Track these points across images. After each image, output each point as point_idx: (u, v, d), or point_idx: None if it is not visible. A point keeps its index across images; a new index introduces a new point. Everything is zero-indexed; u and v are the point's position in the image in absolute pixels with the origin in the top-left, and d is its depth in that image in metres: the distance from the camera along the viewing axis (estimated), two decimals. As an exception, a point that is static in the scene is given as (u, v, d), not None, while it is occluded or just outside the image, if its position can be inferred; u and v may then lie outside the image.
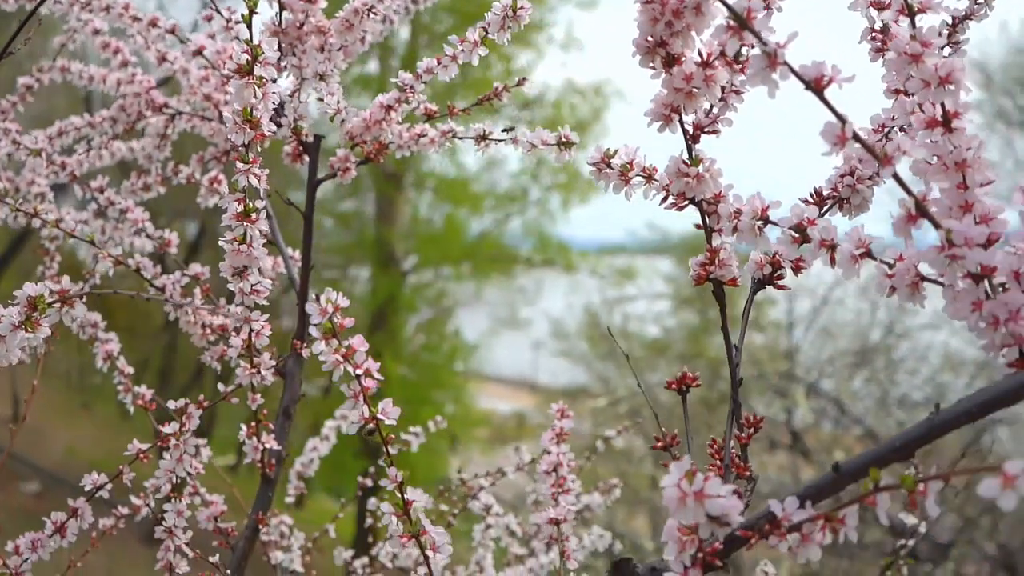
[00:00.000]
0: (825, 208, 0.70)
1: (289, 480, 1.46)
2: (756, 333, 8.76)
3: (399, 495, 0.66)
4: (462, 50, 0.91)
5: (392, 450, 1.19)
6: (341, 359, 0.63)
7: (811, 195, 0.70)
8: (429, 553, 0.66)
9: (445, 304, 12.04)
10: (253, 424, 0.97)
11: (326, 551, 1.53)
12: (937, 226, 0.52)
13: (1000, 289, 0.53)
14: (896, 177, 0.52)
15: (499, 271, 11.91)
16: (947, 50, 0.73)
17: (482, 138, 0.97)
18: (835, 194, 0.69)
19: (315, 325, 0.62)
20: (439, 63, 0.93)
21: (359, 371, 0.63)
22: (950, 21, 0.73)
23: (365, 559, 1.38)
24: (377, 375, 0.64)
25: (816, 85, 0.51)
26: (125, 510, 1.12)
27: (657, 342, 10.22)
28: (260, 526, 1.00)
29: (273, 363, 0.92)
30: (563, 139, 0.86)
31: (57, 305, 0.68)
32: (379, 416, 0.64)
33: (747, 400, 7.21)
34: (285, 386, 1.04)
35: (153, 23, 1.10)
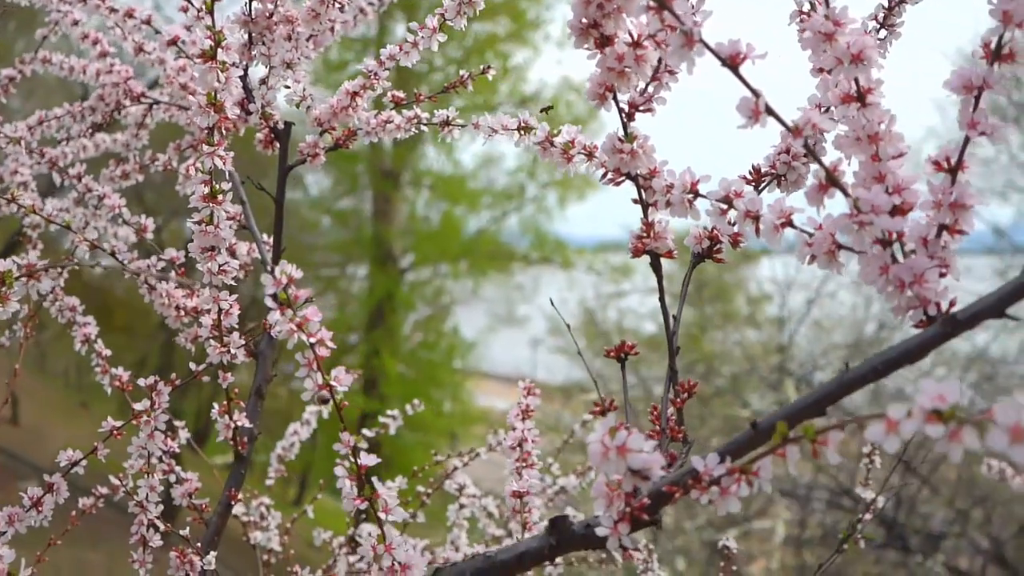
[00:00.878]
0: (763, 184, 0.72)
1: (270, 463, 1.49)
2: (752, 330, 8.80)
3: (352, 460, 0.69)
4: (422, 36, 0.95)
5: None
6: (296, 328, 0.66)
7: (749, 172, 0.72)
8: (382, 515, 0.69)
9: (443, 302, 12.08)
10: (225, 403, 1.00)
11: (320, 546, 1.56)
12: (846, 194, 0.55)
13: (913, 255, 0.56)
14: (808, 148, 0.55)
15: (496, 268, 11.95)
16: (883, 32, 0.76)
17: (445, 124, 1.00)
18: (772, 171, 0.72)
19: (270, 296, 0.65)
20: (401, 50, 0.96)
21: (313, 340, 0.66)
22: (887, 4, 0.76)
23: (341, 538, 1.41)
24: (330, 344, 0.67)
25: (732, 62, 0.54)
26: (104, 489, 1.15)
27: (653, 338, 10.27)
28: (232, 502, 1.03)
29: (243, 342, 0.94)
30: (523, 125, 0.89)
31: (24, 279, 0.71)
32: (332, 383, 0.67)
33: (742, 394, 7.25)
34: (257, 367, 1.06)
35: (129, 14, 1.13)
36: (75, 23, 1.24)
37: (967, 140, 0.56)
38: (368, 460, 0.69)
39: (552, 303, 0.86)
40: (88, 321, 1.16)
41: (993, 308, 0.50)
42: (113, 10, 1.13)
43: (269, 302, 0.65)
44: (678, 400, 0.66)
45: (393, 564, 0.68)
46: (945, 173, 0.56)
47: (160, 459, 0.99)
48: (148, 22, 1.14)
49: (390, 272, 11.10)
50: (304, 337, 0.66)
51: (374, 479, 0.69)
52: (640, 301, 10.49)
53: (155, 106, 1.24)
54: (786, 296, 7.24)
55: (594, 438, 0.54)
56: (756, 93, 0.54)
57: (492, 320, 12.29)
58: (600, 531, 0.58)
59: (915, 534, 6.06)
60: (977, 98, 0.55)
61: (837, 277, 6.86)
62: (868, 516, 1.14)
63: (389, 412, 1.44)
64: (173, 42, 1.09)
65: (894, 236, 0.54)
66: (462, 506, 1.35)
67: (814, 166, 0.69)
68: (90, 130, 1.23)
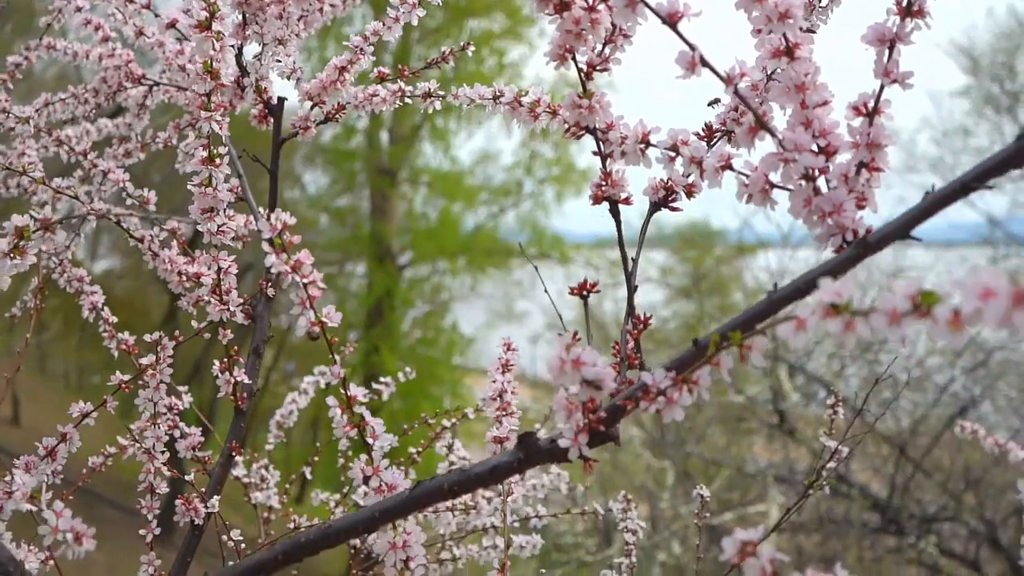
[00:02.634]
0: (715, 140, 0.79)
1: (269, 429, 1.56)
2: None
3: (343, 391, 0.76)
4: (403, 11, 1.02)
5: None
6: (290, 269, 0.73)
7: (702, 128, 0.79)
8: (369, 440, 0.76)
9: (441, 298, 12.15)
10: (225, 360, 1.07)
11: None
12: (773, 135, 0.62)
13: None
14: (738, 95, 0.62)
15: (494, 265, 12.02)
16: (828, 1, 0.82)
17: (428, 95, 1.07)
18: (723, 127, 0.79)
19: (266, 240, 0.72)
20: (384, 24, 1.03)
21: (306, 280, 0.73)
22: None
23: (338, 496, 1.48)
24: (321, 284, 0.74)
25: (671, 19, 0.61)
26: (113, 449, 1.22)
27: (652, 332, 10.31)
28: (233, 453, 1.09)
29: (240, 300, 1.01)
30: (497, 93, 0.96)
31: (41, 232, 0.78)
32: (324, 319, 0.74)
33: (736, 382, 7.34)
34: (255, 328, 1.13)
35: (129, -1, 1.19)
36: (78, 9, 1.31)
37: (882, 87, 0.62)
38: (357, 392, 0.76)
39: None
40: (95, 290, 1.22)
41: (898, 231, 0.57)
42: (115, -5, 1.20)
43: (266, 247, 0.72)
44: (635, 332, 0.73)
45: (380, 485, 0.75)
46: (864, 117, 0.63)
47: (165, 412, 1.06)
48: (148, 6, 1.21)
49: (388, 269, 11.17)
50: (298, 278, 0.73)
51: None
52: (640, 296, 10.54)
53: (155, 87, 1.31)
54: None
55: (553, 354, 0.61)
56: (692, 47, 0.61)
57: (491, 316, 12.36)
58: (562, 443, 0.65)
59: (910, 519, 6.14)
60: (890, 49, 0.62)
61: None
62: (832, 464, 1.21)
63: (382, 379, 1.51)
64: (172, 25, 1.16)
65: (816, 172, 0.61)
66: (452, 464, 1.42)
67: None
68: (94, 111, 1.30)
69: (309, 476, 1.49)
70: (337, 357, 0.77)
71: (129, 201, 1.22)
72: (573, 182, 11.92)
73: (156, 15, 1.19)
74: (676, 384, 0.61)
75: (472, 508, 1.26)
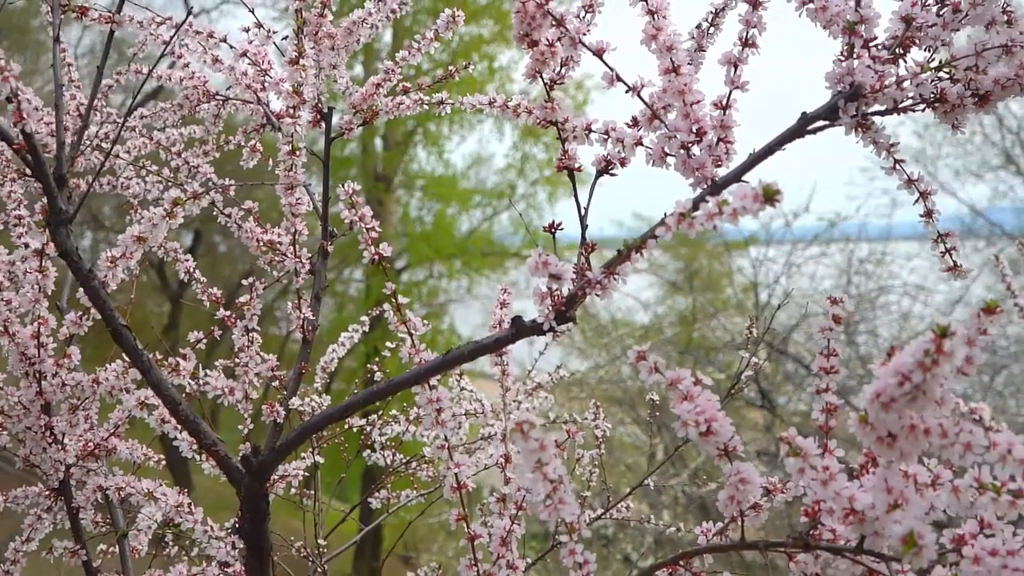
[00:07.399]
0: (638, 127, 1.17)
1: (315, 373, 1.94)
2: (738, 317, 9.28)
3: (394, 300, 1.14)
4: (424, 43, 1.41)
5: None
6: (357, 219, 1.11)
7: (631, 119, 1.17)
8: (412, 331, 1.14)
9: (438, 301, 12.50)
10: (296, 301, 1.45)
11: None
12: (662, 122, 1.00)
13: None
14: (640, 98, 1.00)
15: (490, 266, 12.39)
16: (711, 29, 1.21)
17: (441, 103, 1.46)
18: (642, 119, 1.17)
19: (341, 200, 1.10)
20: (409, 53, 1.42)
21: (368, 226, 1.11)
22: (714, 9, 1.21)
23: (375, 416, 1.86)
24: (378, 228, 1.12)
25: (598, 52, 0.99)
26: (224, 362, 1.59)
27: (647, 328, 10.67)
28: (303, 371, 1.47)
29: (309, 255, 1.39)
30: (492, 100, 1.34)
31: (191, 200, 1.16)
32: (381, 252, 1.12)
33: (728, 369, 7.74)
34: (315, 278, 1.51)
35: (210, 35, 1.57)
36: (165, 43, 1.69)
37: (731, 91, 1.01)
38: (403, 300, 1.14)
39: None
40: (187, 259, 1.61)
41: (733, 178, 0.96)
42: (198, 32, 1.58)
43: (341, 204, 1.10)
44: (586, 251, 1.12)
45: (420, 360, 1.13)
46: (720, 110, 1.01)
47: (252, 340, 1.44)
48: (224, 40, 1.59)
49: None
50: (363, 225, 1.11)
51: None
52: (633, 290, 10.91)
53: (226, 102, 1.69)
54: (758, 269, 7.74)
55: (530, 259, 0.99)
56: (612, 69, 0.99)
57: (487, 317, 12.67)
58: (539, 319, 1.03)
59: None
60: (735, 67, 1.00)
61: (801, 251, 7.38)
62: (749, 372, 1.58)
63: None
64: (243, 54, 1.54)
65: (691, 144, 1.00)
66: (462, 389, 1.80)
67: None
68: (180, 120, 1.68)
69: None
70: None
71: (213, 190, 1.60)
72: (565, 183, 12.26)
73: (231, 47, 1.57)
74: (608, 276, 0.99)
75: (481, 414, 1.64)
